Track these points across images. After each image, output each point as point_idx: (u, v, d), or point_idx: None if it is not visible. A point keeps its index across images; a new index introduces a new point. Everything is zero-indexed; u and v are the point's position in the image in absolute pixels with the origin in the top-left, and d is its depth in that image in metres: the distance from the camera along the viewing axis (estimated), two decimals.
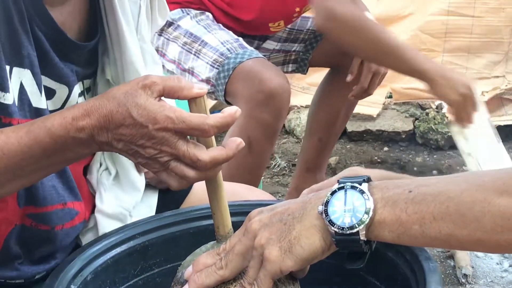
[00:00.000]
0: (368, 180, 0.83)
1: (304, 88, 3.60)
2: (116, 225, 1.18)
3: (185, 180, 0.89)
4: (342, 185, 0.83)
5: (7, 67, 0.98)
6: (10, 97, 0.98)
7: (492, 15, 3.32)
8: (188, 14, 2.20)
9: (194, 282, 0.87)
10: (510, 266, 2.26)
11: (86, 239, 1.20)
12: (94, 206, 1.24)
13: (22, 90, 1.02)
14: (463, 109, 1.99)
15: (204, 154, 0.87)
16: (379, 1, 3.53)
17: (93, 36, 1.14)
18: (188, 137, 0.88)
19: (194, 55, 2.10)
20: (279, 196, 2.88)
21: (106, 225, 1.19)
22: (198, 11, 2.22)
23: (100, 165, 1.24)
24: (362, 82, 2.23)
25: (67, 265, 0.94)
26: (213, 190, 0.91)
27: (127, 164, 1.25)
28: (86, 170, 1.24)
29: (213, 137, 0.89)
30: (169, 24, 2.17)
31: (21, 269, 1.13)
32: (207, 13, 2.22)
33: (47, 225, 1.12)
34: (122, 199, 1.23)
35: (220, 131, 0.88)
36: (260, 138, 1.92)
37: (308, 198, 0.85)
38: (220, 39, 2.12)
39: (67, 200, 1.14)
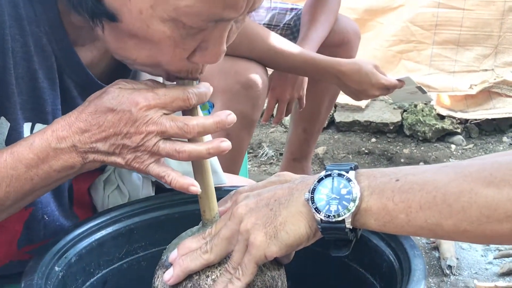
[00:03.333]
0: (355, 168, 0.83)
1: None
2: None
3: (179, 158, 0.87)
4: (329, 172, 0.83)
5: (29, 124, 0.97)
6: None
7: (483, 8, 3.32)
8: None
9: (179, 266, 0.86)
10: (494, 258, 2.27)
11: None
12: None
13: None
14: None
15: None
16: None
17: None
18: None
19: None
20: None
21: None
22: None
23: (105, 184, 1.21)
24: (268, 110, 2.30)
25: (51, 247, 0.94)
26: (200, 174, 0.90)
27: (137, 182, 1.22)
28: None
29: (199, 111, 0.90)
30: None
31: (9, 285, 1.13)
32: None
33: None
34: None
35: (200, 101, 0.88)
36: (238, 129, 1.90)
37: (295, 184, 0.85)
38: None
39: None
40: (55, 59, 0.96)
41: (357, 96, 2.12)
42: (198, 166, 0.91)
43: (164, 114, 0.85)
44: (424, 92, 2.35)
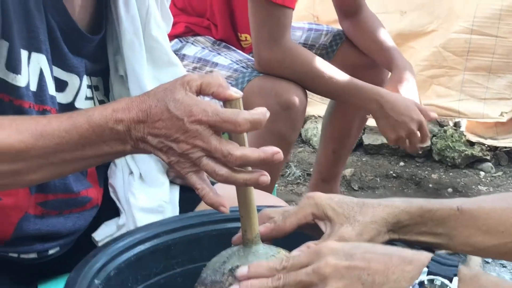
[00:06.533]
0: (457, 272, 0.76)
1: (322, 98, 3.60)
2: (156, 218, 1.18)
3: (215, 178, 0.88)
4: (431, 277, 0.76)
5: (25, 52, 1.02)
6: (22, 80, 1.01)
7: None
8: (187, 42, 2.21)
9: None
10: (510, 279, 2.25)
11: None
12: (105, 191, 1.27)
13: (41, 76, 1.05)
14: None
15: (236, 149, 0.86)
16: (403, 16, 3.52)
17: (100, 32, 1.18)
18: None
19: None
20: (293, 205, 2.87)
21: (145, 219, 1.21)
22: (194, 37, 2.23)
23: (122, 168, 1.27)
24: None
25: (91, 260, 0.94)
26: (243, 193, 0.91)
27: (150, 160, 1.26)
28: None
29: (245, 139, 0.89)
30: None
31: (33, 245, 1.17)
32: (204, 36, 2.23)
33: (56, 211, 1.16)
34: (155, 194, 1.25)
35: (253, 128, 0.87)
36: None
37: (392, 263, 0.78)
38: (233, 59, 2.12)
39: (81, 189, 1.18)
40: None
41: (394, 129, 2.04)
42: None
43: (214, 133, 0.86)
44: None
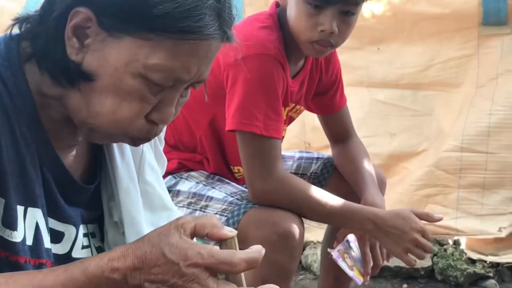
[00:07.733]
0: None
1: (320, 223, 3.59)
2: None
3: None
4: None
5: (22, 207, 1.02)
6: (18, 235, 1.01)
7: (506, 151, 3.34)
8: (180, 177, 2.24)
9: None
10: None
11: None
12: None
13: (37, 230, 1.05)
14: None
15: None
16: (393, 137, 3.59)
17: (94, 180, 1.19)
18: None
19: (200, 210, 2.10)
20: None
21: None
22: (188, 172, 2.25)
23: None
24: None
25: None
26: None
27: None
28: None
29: (243, 278, 0.90)
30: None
31: None
32: (198, 171, 2.26)
33: None
34: None
35: (249, 267, 0.88)
36: (275, 280, 1.85)
37: None
38: (227, 192, 2.14)
39: None
40: (36, 148, 1.04)
41: (397, 243, 2.03)
42: None
43: (211, 275, 0.87)
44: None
